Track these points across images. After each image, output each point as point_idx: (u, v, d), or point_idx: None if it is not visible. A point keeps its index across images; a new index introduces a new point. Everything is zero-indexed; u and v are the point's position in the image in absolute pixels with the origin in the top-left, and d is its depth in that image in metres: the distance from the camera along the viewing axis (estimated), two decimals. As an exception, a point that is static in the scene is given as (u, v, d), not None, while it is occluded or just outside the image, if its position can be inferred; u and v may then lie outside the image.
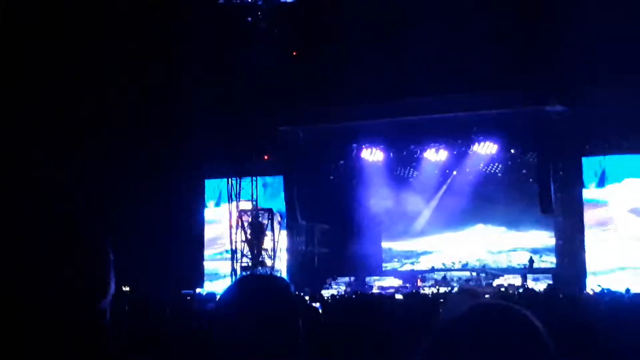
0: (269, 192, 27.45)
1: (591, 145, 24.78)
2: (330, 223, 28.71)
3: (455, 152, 27.24)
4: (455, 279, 27.26)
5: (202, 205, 28.79)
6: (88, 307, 1.75)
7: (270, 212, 25.97)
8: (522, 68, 23.14)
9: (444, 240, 30.04)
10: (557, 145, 25.17)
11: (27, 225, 1.85)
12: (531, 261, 27.71)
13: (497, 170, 28.42)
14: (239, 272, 25.05)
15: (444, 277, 27.52)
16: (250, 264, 25.07)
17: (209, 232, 28.51)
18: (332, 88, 24.80)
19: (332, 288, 26.12)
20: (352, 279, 27.25)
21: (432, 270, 29.19)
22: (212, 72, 25.30)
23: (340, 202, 28.54)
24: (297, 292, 14.83)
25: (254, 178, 26.06)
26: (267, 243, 25.60)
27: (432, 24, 23.40)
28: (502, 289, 22.07)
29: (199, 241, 28.39)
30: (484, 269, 28.14)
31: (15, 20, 20.58)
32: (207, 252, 28.38)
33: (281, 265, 26.60)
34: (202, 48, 25.36)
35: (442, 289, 22.97)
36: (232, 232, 25.76)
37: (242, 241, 25.48)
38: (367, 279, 27.66)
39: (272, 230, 25.81)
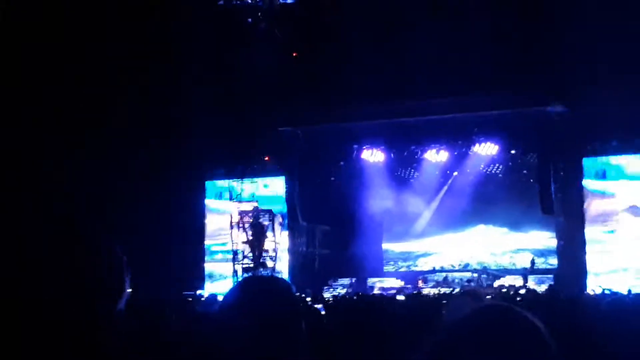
0: (270, 193, 27.43)
1: (592, 146, 24.76)
2: (331, 224, 28.71)
3: (455, 153, 27.23)
4: (456, 280, 27.25)
5: (202, 206, 28.76)
6: (88, 307, 1.75)
7: (271, 213, 25.96)
8: (522, 68, 23.14)
9: (445, 241, 30.05)
10: (558, 146, 25.16)
11: (27, 225, 1.84)
12: (532, 262, 27.71)
13: (497, 171, 28.42)
14: (240, 273, 25.04)
15: (445, 278, 27.51)
16: (251, 265, 25.06)
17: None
18: (333, 89, 24.80)
19: (333, 289, 26.11)
20: (354, 280, 27.25)
21: (433, 271, 29.19)
22: (212, 72, 25.30)
23: (341, 203, 28.52)
24: (298, 294, 14.85)
25: (255, 179, 26.06)
26: (268, 244, 25.59)
27: (432, 24, 23.41)
28: (504, 290, 22.05)
29: (199, 242, 28.37)
30: (485, 270, 28.14)
31: (15, 20, 20.58)
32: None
33: (282, 267, 26.58)
34: (203, 49, 25.36)
35: (444, 290, 22.96)
36: (233, 233, 25.75)
37: (243, 242, 25.47)
38: (368, 280, 27.65)
39: (273, 231, 25.80)
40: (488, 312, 1.74)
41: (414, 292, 21.72)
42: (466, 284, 26.20)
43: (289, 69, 25.46)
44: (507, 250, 29.25)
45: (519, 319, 1.71)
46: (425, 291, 23.47)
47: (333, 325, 5.75)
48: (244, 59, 24.86)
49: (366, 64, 23.99)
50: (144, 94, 24.46)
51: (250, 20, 25.11)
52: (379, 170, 28.07)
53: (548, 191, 25.22)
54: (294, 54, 26.00)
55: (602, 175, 24.81)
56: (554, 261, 27.22)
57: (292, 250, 27.68)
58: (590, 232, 24.57)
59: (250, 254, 25.33)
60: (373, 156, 27.59)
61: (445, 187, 29.14)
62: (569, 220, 25.27)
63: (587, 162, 24.96)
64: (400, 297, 14.83)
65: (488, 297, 12.85)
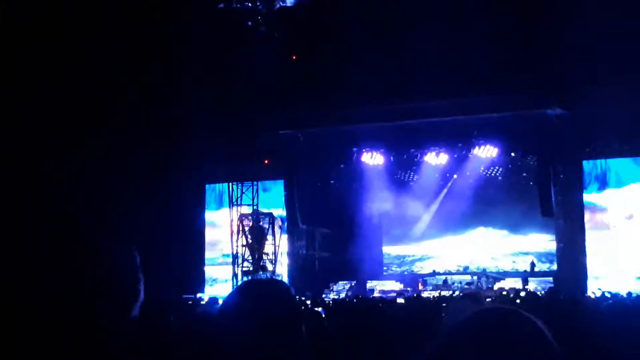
0: (270, 196, 27.43)
1: (592, 149, 24.78)
2: (331, 227, 28.70)
3: (455, 156, 27.23)
4: (456, 282, 27.23)
5: (202, 209, 28.78)
6: (88, 307, 1.74)
7: (271, 216, 25.96)
8: (522, 71, 23.15)
9: (445, 243, 30.06)
10: (558, 149, 25.17)
11: (27, 225, 1.83)
12: (532, 265, 27.70)
13: (497, 174, 28.43)
14: (240, 276, 25.02)
15: (445, 281, 27.50)
16: (251, 268, 25.05)
17: (208, 235, 28.51)
18: (332, 91, 24.82)
19: (333, 292, 26.10)
20: (353, 283, 27.23)
21: (433, 274, 29.19)
22: (212, 75, 25.29)
23: (340, 206, 28.52)
24: (298, 297, 14.84)
25: (255, 182, 26.04)
26: (268, 247, 25.58)
27: (432, 27, 23.41)
28: (504, 293, 22.04)
29: (199, 245, 28.39)
30: (484, 272, 28.13)
31: (15, 20, 20.57)
32: (207, 256, 28.39)
33: (282, 270, 26.57)
34: (203, 51, 25.37)
35: (444, 293, 22.95)
36: (233, 236, 25.73)
37: (243, 246, 25.45)
38: (368, 282, 27.63)
39: (273, 234, 25.79)
40: (490, 314, 1.73)
41: (414, 295, 21.69)
42: (466, 286, 26.19)
43: (289, 71, 25.47)
44: (507, 253, 29.26)
45: (523, 321, 1.70)
46: (425, 294, 23.46)
47: (333, 328, 5.74)
48: (244, 62, 24.86)
49: (366, 67, 24.00)
50: (144, 95, 24.45)
51: (250, 23, 25.10)
52: (378, 173, 28.08)
53: (548, 194, 25.21)
54: (294, 57, 26.01)
55: (603, 180, 24.84)
56: (553, 264, 27.24)
57: (292, 253, 27.69)
58: (590, 234, 24.62)
59: (250, 257, 25.31)
60: (373, 159, 27.59)
61: (445, 190, 29.14)
62: (568, 222, 25.28)
63: (587, 165, 24.99)
64: (400, 300, 14.81)
65: (488, 299, 12.85)
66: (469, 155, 26.89)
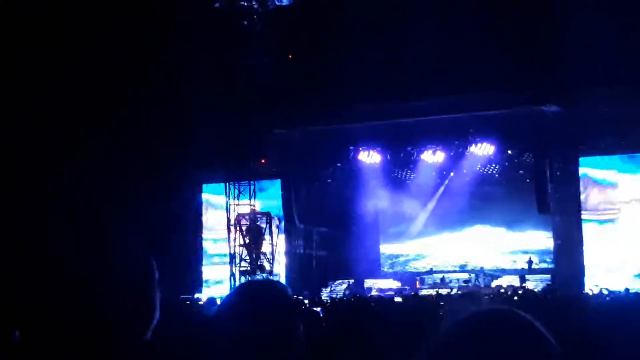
0: (266, 196, 27.41)
1: (588, 145, 24.81)
2: (328, 226, 28.71)
3: (452, 154, 27.22)
4: (453, 280, 27.24)
5: (200, 209, 28.78)
6: (88, 307, 1.75)
7: (268, 215, 25.94)
8: (518, 68, 23.17)
9: (442, 241, 30.07)
10: (554, 145, 25.19)
11: (27, 225, 1.84)
12: (530, 262, 27.71)
13: (494, 171, 28.43)
14: (237, 276, 25.01)
15: (443, 279, 27.50)
16: (248, 268, 25.03)
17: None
18: (329, 90, 24.81)
19: (331, 291, 26.10)
20: (351, 281, 27.24)
21: (431, 272, 29.21)
22: (208, 75, 25.27)
23: (338, 205, 28.53)
24: (296, 296, 14.84)
25: (252, 182, 26.02)
26: (266, 247, 25.56)
27: (428, 25, 23.42)
28: (502, 290, 22.06)
29: (196, 246, 28.39)
30: (482, 270, 28.14)
31: (15, 20, 20.55)
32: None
33: (280, 269, 26.57)
34: (199, 51, 25.34)
35: (441, 291, 22.97)
36: (230, 236, 25.71)
37: (240, 245, 25.44)
38: (366, 281, 27.64)
39: (271, 234, 25.77)
40: (487, 315, 1.73)
41: (412, 293, 21.71)
42: (463, 284, 26.21)
43: (285, 71, 25.46)
44: (504, 251, 29.27)
45: (520, 322, 1.70)
46: (422, 292, 23.46)
47: (332, 328, 5.75)
48: (240, 62, 24.84)
49: (362, 65, 24.00)
50: (142, 95, 24.44)
51: (246, 23, 25.09)
52: (375, 171, 28.07)
53: (544, 190, 25.22)
54: (290, 56, 26.00)
55: (599, 180, 24.86)
56: (551, 261, 27.28)
57: (289, 253, 27.69)
58: (588, 228, 24.60)
59: (248, 257, 25.30)
60: (369, 158, 27.58)
61: (442, 188, 29.15)
62: (565, 219, 25.31)
63: (584, 162, 25.01)
64: (398, 299, 14.84)
65: (486, 297, 12.86)
66: (466, 153, 26.88)
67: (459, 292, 22.00)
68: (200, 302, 15.18)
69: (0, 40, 20.22)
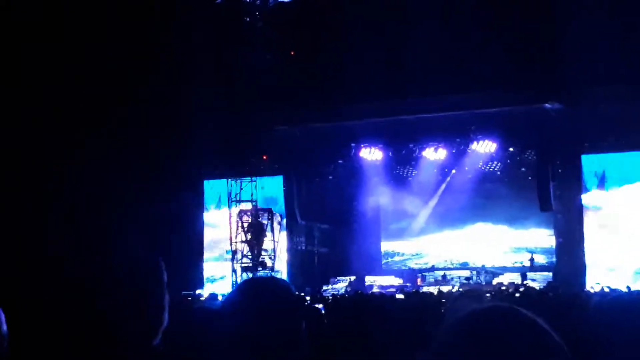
0: (268, 192, 27.40)
1: (590, 143, 24.78)
2: (330, 223, 28.74)
3: (454, 151, 27.21)
4: (454, 278, 27.25)
5: (201, 206, 28.78)
6: (89, 308, 1.75)
7: (270, 212, 25.93)
8: (520, 66, 23.13)
9: (444, 239, 30.08)
10: (556, 143, 25.16)
11: (27, 225, 1.85)
12: (531, 259, 27.70)
13: (496, 169, 28.43)
14: (239, 272, 25.04)
15: (444, 276, 27.50)
16: (250, 264, 25.05)
17: (208, 235, 28.53)
18: (330, 87, 24.79)
19: (332, 288, 26.11)
20: (353, 278, 27.25)
21: (432, 269, 29.21)
22: (209, 72, 25.25)
23: (339, 202, 28.56)
24: (297, 293, 14.84)
25: (253, 178, 26.03)
26: (267, 243, 25.57)
27: (430, 22, 23.40)
28: (503, 288, 22.06)
29: (198, 242, 28.40)
30: (483, 267, 28.15)
31: (15, 20, 20.55)
32: (207, 255, 28.43)
33: (281, 266, 26.58)
34: (200, 48, 25.32)
35: (442, 288, 22.97)
36: (232, 233, 25.72)
37: (242, 242, 25.46)
38: (367, 278, 27.65)
39: (272, 230, 25.77)
40: (490, 313, 1.73)
41: (413, 290, 21.71)
42: (465, 282, 26.22)
43: (286, 67, 25.44)
44: (505, 248, 29.28)
45: (524, 321, 1.70)
46: (424, 289, 23.47)
47: (333, 325, 5.76)
48: (241, 59, 24.83)
49: (364, 62, 23.98)
50: (142, 94, 24.43)
51: (247, 19, 25.07)
52: (377, 168, 28.07)
53: (546, 188, 25.20)
54: (291, 53, 25.98)
55: (602, 178, 24.83)
56: (552, 258, 27.27)
57: (291, 249, 27.71)
58: (589, 229, 24.63)
59: (249, 253, 25.32)
60: (371, 154, 27.58)
61: (444, 185, 29.14)
62: (567, 217, 25.31)
63: (586, 160, 24.98)
64: (400, 296, 14.83)
65: (487, 295, 12.86)
66: (468, 150, 26.87)
67: (460, 289, 22.01)
68: (202, 299, 15.19)
69: (0, 40, 20.21)
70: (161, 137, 25.61)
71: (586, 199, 24.90)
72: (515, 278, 25.88)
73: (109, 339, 1.69)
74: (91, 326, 1.69)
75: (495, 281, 26.09)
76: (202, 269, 28.18)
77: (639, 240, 23.75)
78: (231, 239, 25.62)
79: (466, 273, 27.69)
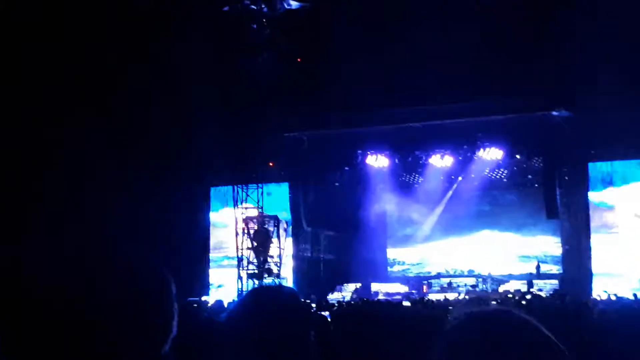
0: (274, 199, 27.40)
1: (597, 151, 24.74)
2: (336, 229, 28.71)
3: (460, 158, 27.20)
4: (460, 285, 27.19)
5: (207, 213, 28.80)
6: (95, 316, 1.74)
7: (276, 219, 25.92)
8: (527, 73, 23.11)
9: (450, 246, 30.03)
10: (563, 151, 25.14)
11: (28, 225, 1.85)
12: (538, 267, 27.64)
13: (502, 176, 28.39)
14: (245, 279, 25.03)
15: (450, 284, 27.46)
16: (256, 271, 25.04)
17: (215, 236, 28.55)
18: (337, 94, 24.78)
19: (338, 295, 26.08)
20: (359, 285, 27.22)
21: (438, 276, 29.16)
22: (217, 79, 25.28)
23: (345, 209, 28.52)
24: (303, 300, 14.82)
25: (260, 185, 26.04)
26: (273, 250, 25.56)
27: (437, 29, 23.38)
28: (509, 295, 22.00)
29: (204, 248, 28.40)
30: (489, 275, 28.09)
31: (15, 20, 20.58)
32: (212, 255, 28.43)
33: (287, 273, 26.57)
34: (207, 54, 25.35)
35: (448, 296, 22.93)
36: (237, 239, 25.72)
37: (247, 248, 25.46)
38: (373, 285, 27.62)
39: (278, 237, 25.77)
40: (486, 317, 1.73)
41: (419, 297, 21.67)
42: (471, 289, 26.17)
43: (294, 75, 25.45)
44: (512, 256, 29.21)
45: (520, 323, 1.70)
46: (429, 297, 23.43)
47: (340, 332, 5.76)
48: (249, 66, 24.86)
49: (371, 69, 23.97)
50: (148, 98, 24.46)
51: (255, 26, 25.11)
52: (383, 175, 28.07)
53: (553, 196, 25.18)
54: (298, 60, 26.00)
55: (609, 182, 24.79)
56: (559, 265, 27.21)
57: (297, 256, 27.69)
58: (596, 236, 24.57)
59: (255, 260, 25.31)
60: (377, 161, 27.58)
61: (450, 192, 29.12)
62: (574, 224, 25.24)
63: (593, 168, 24.95)
64: (406, 303, 14.82)
65: (493, 302, 12.83)
66: (474, 157, 26.85)
67: (466, 296, 21.97)
68: (209, 305, 15.16)
69: (0, 40, 20.26)
70: (167, 140, 25.63)
71: (593, 206, 24.84)
72: (522, 286, 25.81)
73: (117, 348, 1.69)
74: (99, 336, 1.69)
75: (501, 289, 26.02)
76: (207, 276, 28.18)
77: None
78: (237, 246, 25.62)
79: (472, 280, 27.63)
